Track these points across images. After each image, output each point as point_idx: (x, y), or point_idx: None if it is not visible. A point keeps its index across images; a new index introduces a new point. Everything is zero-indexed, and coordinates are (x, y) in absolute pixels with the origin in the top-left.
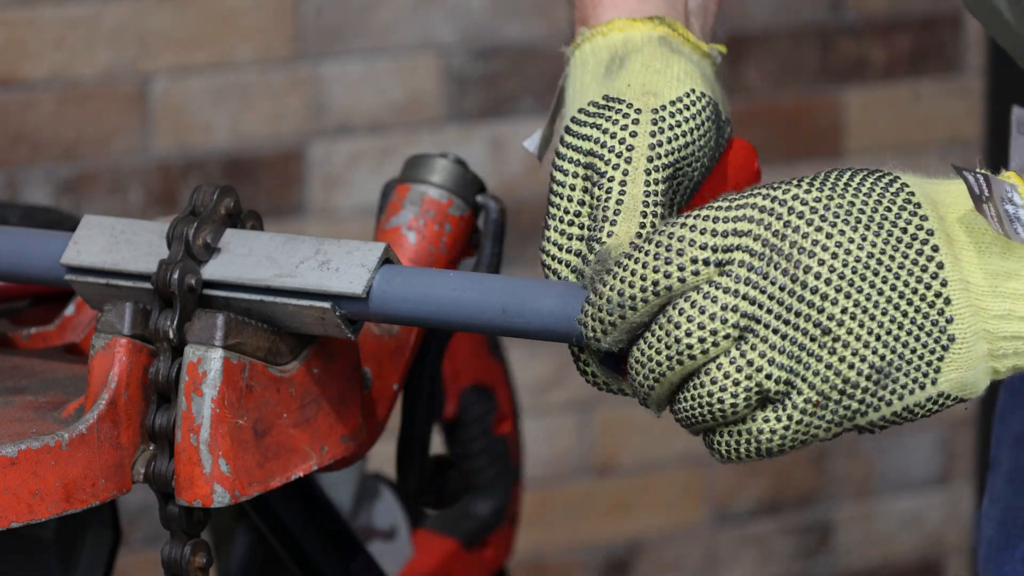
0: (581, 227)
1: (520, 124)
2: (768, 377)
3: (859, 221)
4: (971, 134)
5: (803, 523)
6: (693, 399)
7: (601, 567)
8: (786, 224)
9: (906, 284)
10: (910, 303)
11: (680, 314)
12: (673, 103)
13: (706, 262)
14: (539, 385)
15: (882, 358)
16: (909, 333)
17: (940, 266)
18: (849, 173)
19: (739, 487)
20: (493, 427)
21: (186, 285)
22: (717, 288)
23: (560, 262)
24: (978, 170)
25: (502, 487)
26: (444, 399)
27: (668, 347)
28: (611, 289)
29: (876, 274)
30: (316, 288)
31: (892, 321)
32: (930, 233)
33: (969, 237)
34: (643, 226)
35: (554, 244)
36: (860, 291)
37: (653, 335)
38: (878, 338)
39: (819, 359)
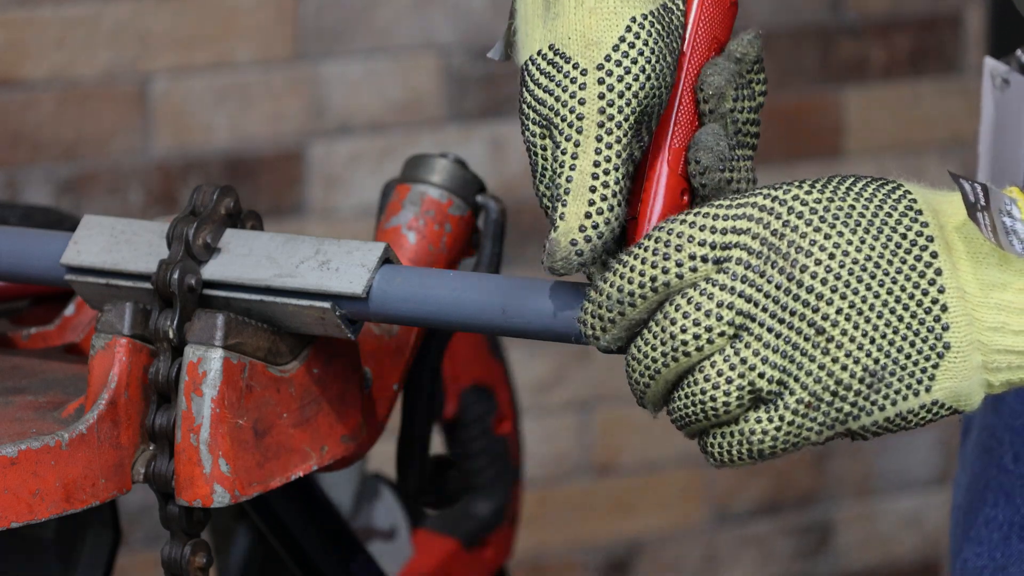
0: None
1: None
2: (761, 376)
3: (859, 224)
4: (971, 134)
5: (803, 523)
6: (687, 397)
7: (601, 567)
8: (785, 224)
9: (903, 289)
10: (906, 308)
11: (676, 310)
12: (616, 48)
13: (704, 259)
14: (539, 385)
15: (876, 361)
16: (904, 338)
17: (938, 272)
18: (852, 179)
19: (739, 487)
20: (493, 427)
21: (186, 285)
22: (714, 285)
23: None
24: (979, 180)
25: (502, 487)
26: (444, 399)
27: (663, 343)
28: (610, 286)
29: (873, 277)
30: (316, 288)
31: (887, 325)
32: (930, 239)
33: (966, 247)
34: (592, 203)
35: (543, 196)
36: (856, 292)
37: (649, 331)
38: (872, 341)
39: (812, 359)
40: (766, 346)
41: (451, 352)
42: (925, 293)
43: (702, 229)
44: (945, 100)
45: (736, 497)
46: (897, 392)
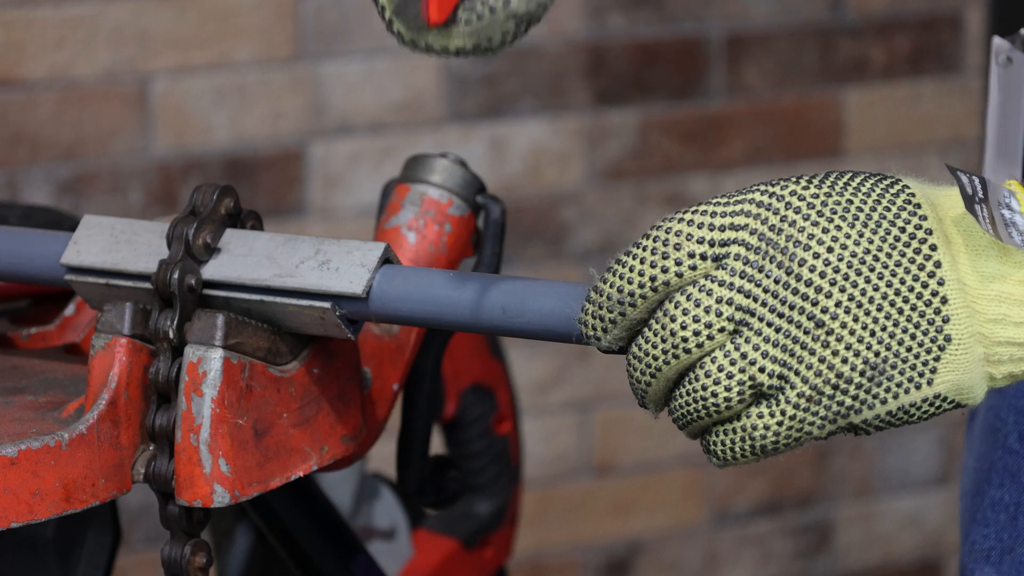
0: None
1: (520, 124)
2: (762, 371)
3: (856, 218)
4: (971, 134)
5: (803, 523)
6: (688, 394)
7: (601, 567)
8: (783, 219)
9: (902, 281)
10: (906, 300)
11: (676, 307)
12: None
13: (703, 256)
14: (539, 385)
15: (876, 354)
16: (905, 331)
17: (938, 265)
18: (850, 174)
19: (739, 487)
20: (493, 427)
21: (186, 285)
22: (713, 282)
23: None
24: (977, 173)
25: (502, 487)
26: (444, 399)
27: (664, 340)
28: (610, 286)
29: (872, 270)
30: (316, 288)
31: (887, 317)
32: (928, 232)
33: (964, 239)
34: None
35: None
36: (855, 286)
37: (650, 329)
38: (872, 334)
39: (812, 352)
40: (766, 341)
41: (451, 352)
42: (925, 286)
43: (700, 227)
44: (945, 100)
45: (736, 497)
46: (899, 385)
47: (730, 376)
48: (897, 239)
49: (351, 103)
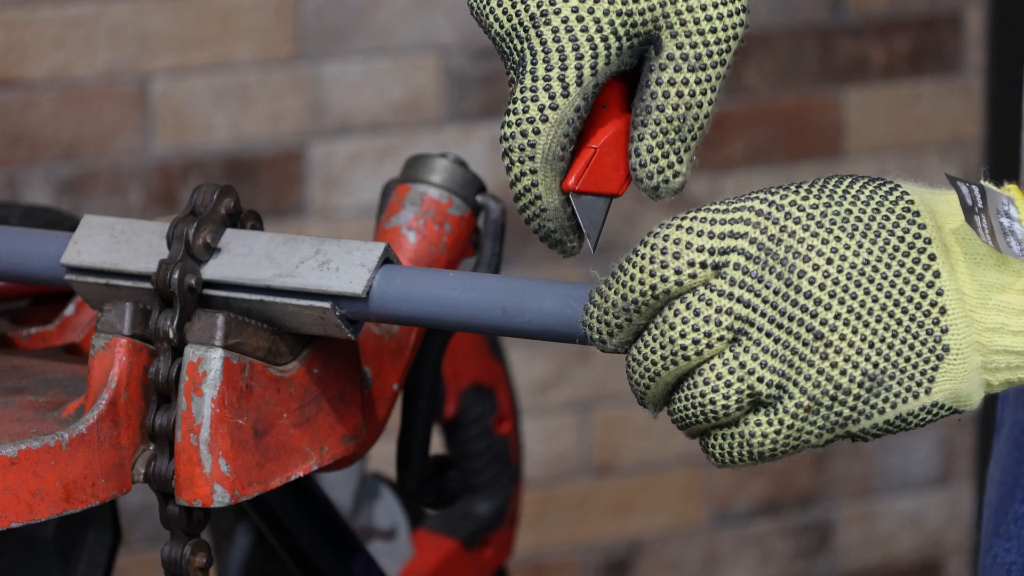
0: None
1: None
2: (760, 380)
3: (856, 228)
4: (971, 134)
5: (803, 523)
6: (687, 399)
7: (601, 567)
8: (782, 228)
9: (901, 292)
10: (905, 311)
11: (675, 315)
12: None
13: (703, 264)
14: (539, 385)
15: (875, 365)
16: (903, 341)
17: (936, 275)
18: (848, 180)
19: (739, 487)
20: (493, 427)
21: (186, 285)
22: (712, 290)
23: None
24: (976, 181)
25: (502, 487)
26: (444, 399)
27: (663, 347)
28: (614, 292)
29: (871, 281)
30: (316, 288)
31: (886, 328)
32: (928, 242)
33: (963, 248)
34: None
35: None
36: (854, 297)
37: (649, 334)
38: (871, 345)
39: (811, 364)
40: (765, 351)
41: (451, 352)
42: (924, 296)
43: (700, 235)
44: (945, 100)
45: (736, 497)
46: (897, 395)
47: (728, 384)
48: (896, 248)
49: (351, 103)
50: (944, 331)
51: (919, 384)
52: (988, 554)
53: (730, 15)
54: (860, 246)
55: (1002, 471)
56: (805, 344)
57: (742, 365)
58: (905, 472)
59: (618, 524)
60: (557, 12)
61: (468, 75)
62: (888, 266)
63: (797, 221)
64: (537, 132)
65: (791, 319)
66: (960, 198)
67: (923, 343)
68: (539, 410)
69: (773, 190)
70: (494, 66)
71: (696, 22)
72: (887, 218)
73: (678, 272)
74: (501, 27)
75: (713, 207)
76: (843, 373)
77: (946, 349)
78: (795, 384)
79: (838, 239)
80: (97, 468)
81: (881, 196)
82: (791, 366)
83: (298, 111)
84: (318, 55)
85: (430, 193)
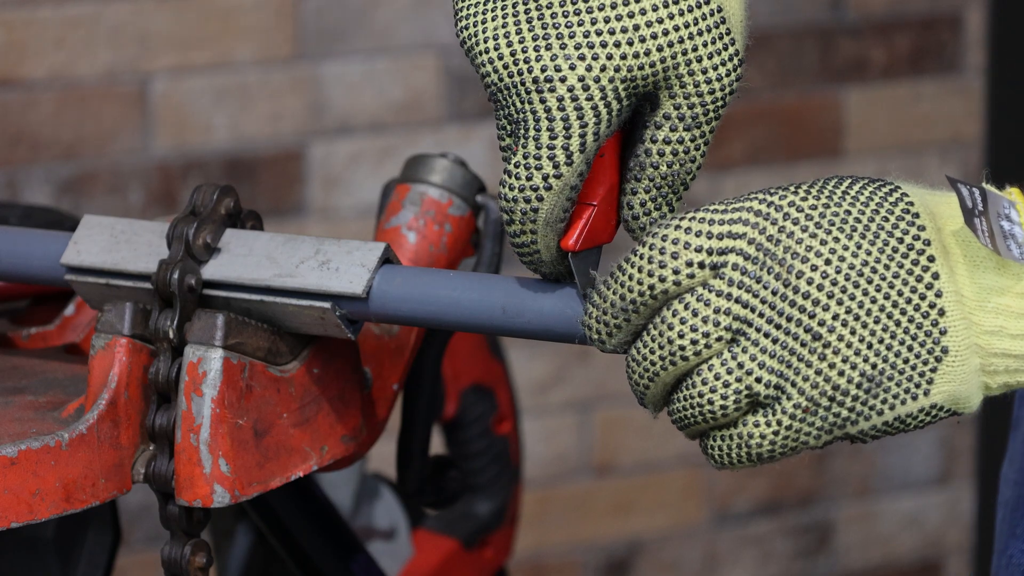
0: None
1: None
2: (758, 381)
3: (855, 229)
4: (971, 134)
5: (803, 523)
6: (685, 399)
7: (601, 567)
8: (781, 229)
9: (900, 293)
10: (904, 312)
11: (673, 315)
12: None
13: (701, 265)
14: (539, 385)
15: (873, 367)
16: (902, 343)
17: (936, 276)
18: (848, 181)
19: (739, 487)
20: (493, 427)
21: (186, 285)
22: (710, 291)
23: None
24: (977, 184)
25: (502, 487)
26: (444, 399)
27: (661, 347)
28: (614, 293)
29: (870, 282)
30: (316, 288)
31: (885, 330)
32: (927, 243)
33: (963, 250)
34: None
35: None
36: (853, 298)
37: (648, 335)
38: (870, 346)
39: (809, 365)
40: (763, 351)
41: (451, 352)
42: (923, 297)
43: (698, 235)
44: (945, 100)
45: (736, 497)
46: (895, 397)
47: (726, 385)
48: (895, 250)
49: (351, 103)
50: (943, 333)
51: (918, 386)
52: (1003, 555)
53: (728, 74)
54: (859, 247)
55: (1018, 471)
56: (803, 345)
57: (740, 365)
58: (905, 472)
59: (618, 524)
60: (563, 80)
61: (468, 75)
62: (887, 267)
63: (796, 222)
64: (541, 200)
65: (789, 319)
66: (960, 200)
67: (922, 344)
68: (539, 410)
69: (772, 190)
70: None
71: (696, 84)
72: (886, 219)
73: (676, 272)
74: (499, 79)
75: (712, 207)
76: (841, 374)
77: (945, 351)
78: (793, 385)
79: (836, 240)
80: (97, 468)
81: (880, 197)
82: (789, 367)
83: (298, 111)
84: (318, 55)
85: (430, 193)
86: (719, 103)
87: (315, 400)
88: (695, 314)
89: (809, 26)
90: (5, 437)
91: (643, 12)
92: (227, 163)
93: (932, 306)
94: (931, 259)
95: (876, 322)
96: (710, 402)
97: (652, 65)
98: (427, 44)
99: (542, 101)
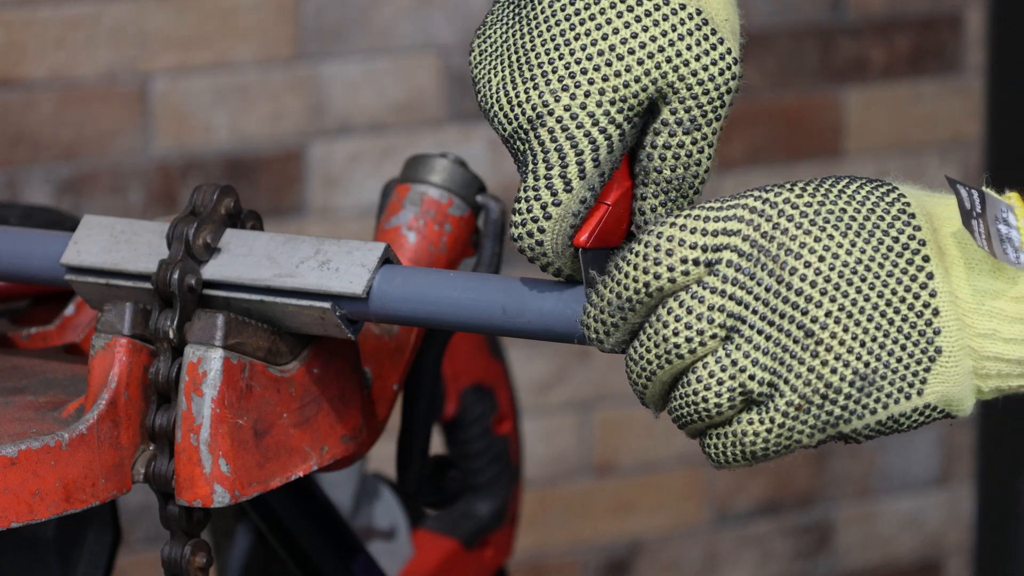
0: None
1: None
2: (751, 378)
3: (849, 227)
4: (971, 134)
5: (803, 523)
6: (682, 398)
7: (601, 567)
8: (776, 226)
9: (894, 292)
10: (897, 311)
11: (669, 313)
12: None
13: (696, 262)
14: (539, 385)
15: (866, 365)
16: (895, 341)
17: (930, 276)
18: (845, 180)
19: (739, 487)
20: (493, 427)
21: (186, 285)
22: (705, 288)
23: None
24: (977, 186)
25: (502, 487)
26: (444, 399)
27: (657, 345)
28: (610, 291)
29: (864, 280)
30: (316, 288)
31: (878, 328)
32: (922, 243)
33: (960, 252)
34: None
35: None
36: (846, 296)
37: (644, 333)
38: (863, 344)
39: (802, 362)
40: (756, 348)
41: (451, 352)
42: (917, 297)
43: (693, 232)
44: (945, 100)
45: (736, 497)
46: (888, 395)
47: (720, 383)
48: (890, 249)
49: (351, 103)
50: (937, 333)
51: (911, 385)
52: None
53: (721, 73)
54: (853, 245)
55: None
56: (796, 342)
57: (734, 363)
58: (905, 472)
59: (618, 524)
60: (551, 113)
61: (468, 75)
62: (881, 266)
63: (791, 219)
64: (542, 231)
65: (783, 316)
66: (959, 202)
67: (915, 344)
68: (539, 410)
69: (768, 188)
70: None
71: (688, 88)
72: (882, 219)
73: (671, 269)
74: (504, 129)
75: (708, 205)
76: (834, 372)
77: (938, 351)
78: (786, 382)
79: (831, 237)
80: (97, 468)
81: (877, 197)
82: (782, 364)
83: (298, 111)
84: (318, 55)
85: (430, 193)
86: (716, 103)
87: (315, 400)
88: (689, 311)
89: (809, 26)
90: (5, 437)
91: (616, 32)
92: (227, 163)
93: (926, 306)
94: (926, 259)
95: (870, 320)
96: (705, 400)
97: (638, 81)
98: (427, 44)
99: (536, 136)
